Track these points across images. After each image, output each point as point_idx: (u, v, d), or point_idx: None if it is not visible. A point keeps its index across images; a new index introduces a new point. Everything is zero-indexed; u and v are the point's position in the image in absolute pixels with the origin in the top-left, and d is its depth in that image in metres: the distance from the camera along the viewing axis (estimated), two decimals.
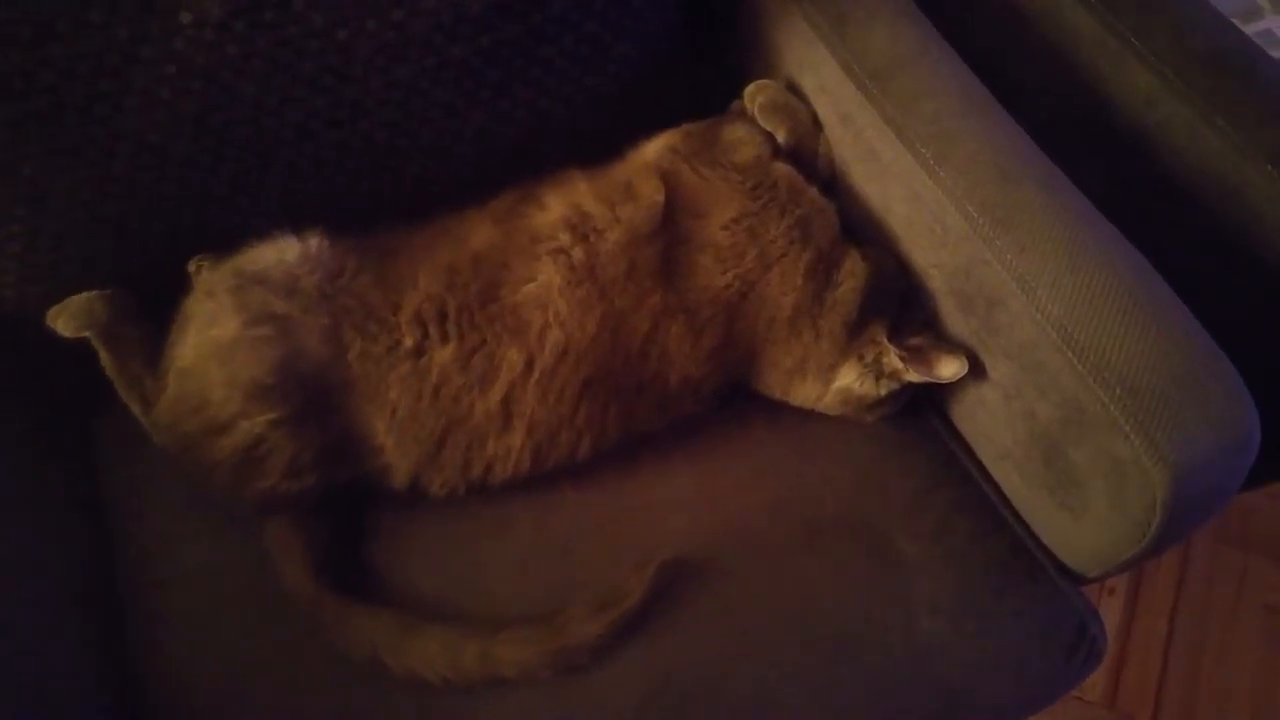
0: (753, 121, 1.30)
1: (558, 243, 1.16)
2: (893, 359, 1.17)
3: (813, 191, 1.23)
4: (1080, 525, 1.06)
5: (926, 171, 1.11)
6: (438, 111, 1.17)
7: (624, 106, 1.28)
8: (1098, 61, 1.23)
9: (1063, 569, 1.14)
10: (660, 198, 1.19)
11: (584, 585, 1.10)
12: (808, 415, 1.26)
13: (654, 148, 1.26)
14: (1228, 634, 1.83)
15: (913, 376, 1.16)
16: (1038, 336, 1.03)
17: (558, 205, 1.19)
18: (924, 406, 1.27)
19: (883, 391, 1.19)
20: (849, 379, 1.19)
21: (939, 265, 1.15)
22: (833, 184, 1.29)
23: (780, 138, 1.28)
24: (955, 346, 1.15)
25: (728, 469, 1.23)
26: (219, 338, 1.10)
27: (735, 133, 1.28)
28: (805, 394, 1.22)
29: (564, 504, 1.20)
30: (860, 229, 1.27)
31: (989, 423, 1.17)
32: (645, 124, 1.29)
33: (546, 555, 1.16)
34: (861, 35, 1.20)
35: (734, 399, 1.25)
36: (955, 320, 1.16)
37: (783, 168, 1.25)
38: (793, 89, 1.31)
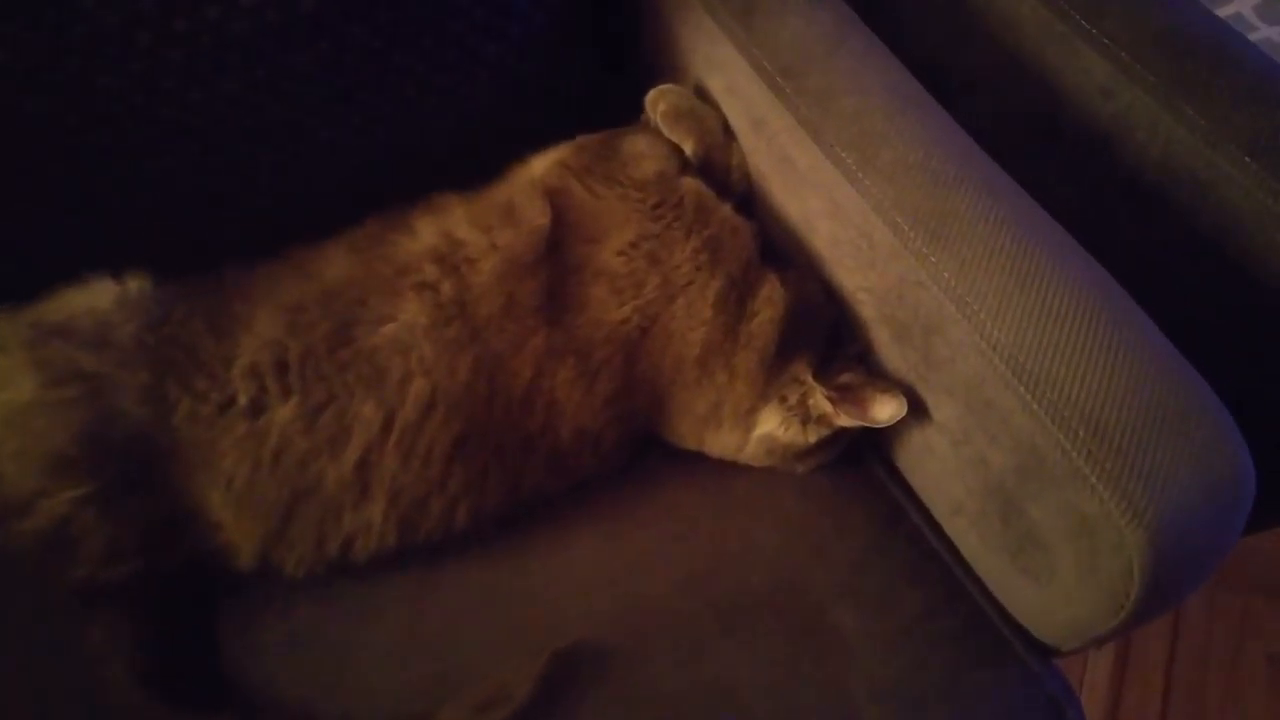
0: (658, 133, 1.12)
1: (423, 276, 0.99)
2: (820, 400, 0.99)
3: (725, 209, 1.06)
4: (1047, 594, 0.87)
5: (848, 179, 0.94)
6: (278, 131, 1.00)
7: (506, 121, 1.11)
8: (1044, 49, 1.06)
9: (1031, 643, 0.95)
10: (544, 220, 1.01)
11: (466, 678, 0.93)
12: (729, 469, 1.08)
13: (541, 164, 1.09)
14: (1229, 687, 1.64)
15: (844, 420, 0.98)
16: (984, 369, 0.85)
17: (429, 232, 1.02)
18: (866, 453, 1.10)
19: (812, 438, 1.01)
20: (771, 425, 1.01)
21: (868, 288, 0.97)
22: (749, 199, 1.12)
23: (688, 149, 1.11)
24: (891, 384, 0.98)
25: (636, 537, 1.06)
26: (11, 401, 0.92)
27: (636, 145, 1.11)
28: (723, 444, 1.04)
29: (444, 583, 1.02)
30: (782, 250, 1.10)
31: (939, 472, 0.99)
32: (536, 141, 1.12)
33: (425, 644, 0.99)
34: (771, 27, 1.04)
35: (644, 454, 1.08)
36: (891, 353, 0.98)
37: (690, 183, 1.07)
38: (701, 93, 1.14)
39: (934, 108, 0.99)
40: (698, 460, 1.09)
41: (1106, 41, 1.00)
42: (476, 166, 1.10)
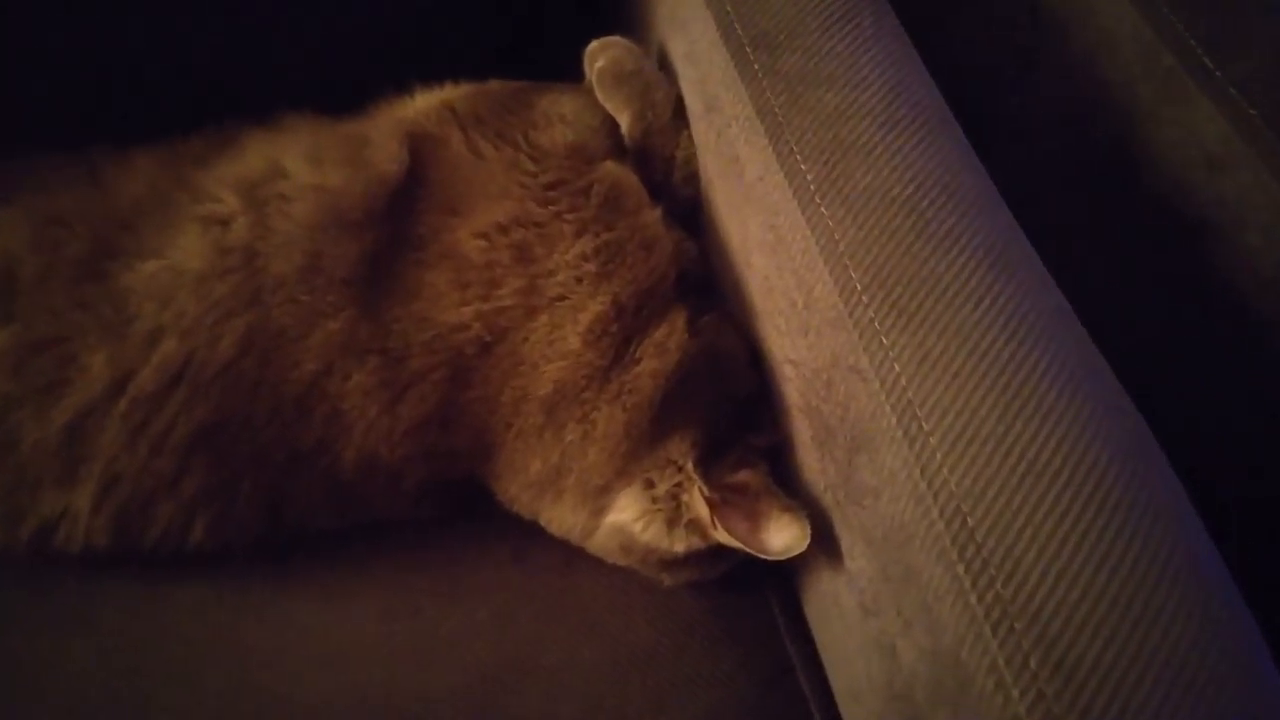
0: (594, 98, 0.83)
1: (216, 207, 0.71)
2: (696, 500, 0.69)
3: (647, 213, 0.77)
4: None
5: (799, 201, 0.64)
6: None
7: (411, 31, 0.81)
8: (1138, 89, 0.76)
9: None
10: (394, 168, 0.74)
11: None
12: (583, 556, 0.77)
13: (425, 100, 0.80)
14: None
15: (722, 537, 0.68)
16: (915, 522, 0.55)
17: (255, 156, 0.74)
18: (768, 580, 0.79)
19: (678, 547, 0.71)
20: (627, 515, 0.72)
21: (796, 361, 0.67)
22: (693, 206, 0.82)
23: (624, 123, 0.82)
24: (796, 504, 0.67)
25: (428, 614, 0.80)
26: None
27: (558, 105, 0.82)
28: (563, 522, 0.75)
29: (165, 612, 0.78)
30: (716, 284, 0.79)
31: (842, 637, 0.70)
32: (441, 72, 0.83)
33: (118, 697, 0.74)
34: None
35: (482, 506, 0.80)
36: (809, 457, 0.68)
37: (611, 169, 0.78)
38: (662, 59, 0.84)
39: (949, 131, 0.69)
40: (549, 534, 0.80)
41: (1234, 92, 0.69)
42: (359, 90, 0.82)
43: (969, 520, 0.54)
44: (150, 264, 0.73)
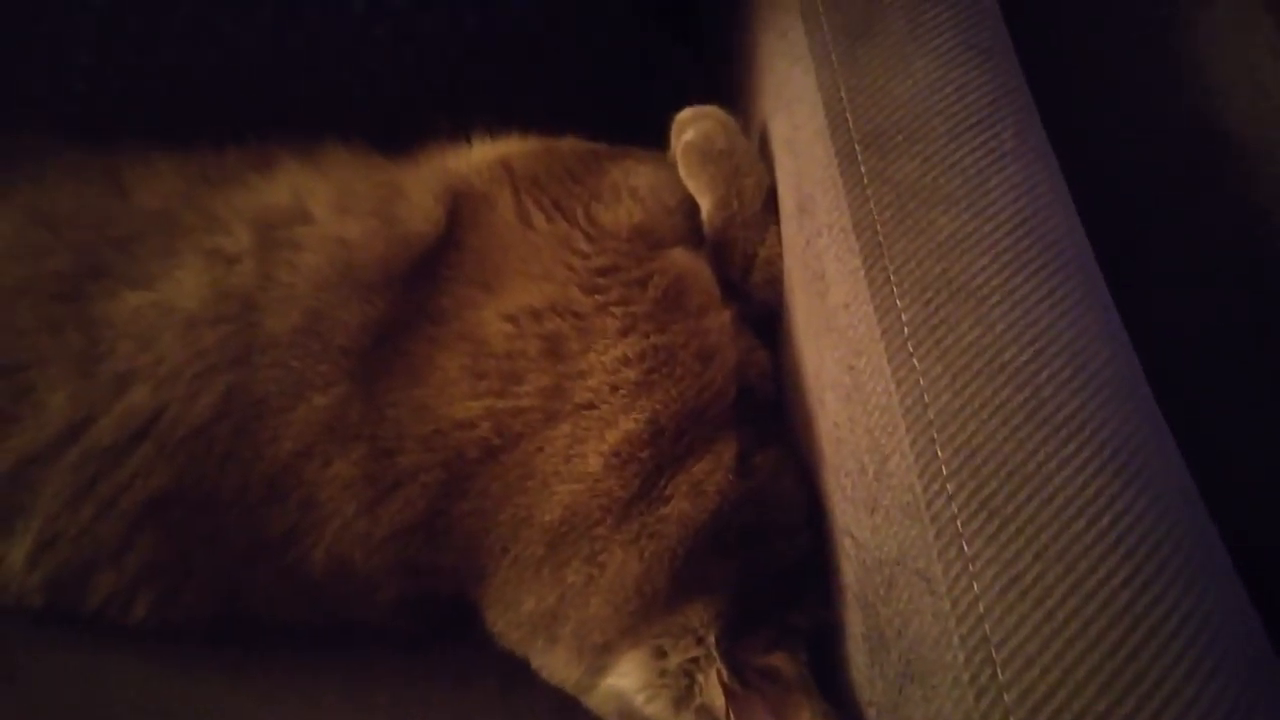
0: (676, 173, 0.71)
1: (225, 241, 0.62)
2: (712, 684, 0.56)
3: (714, 317, 0.65)
4: None
5: (886, 343, 0.51)
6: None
7: (486, 74, 0.72)
8: None
9: None
10: (428, 229, 0.64)
11: None
12: (575, 705, 0.65)
13: (481, 153, 0.70)
14: None
15: None
16: None
17: (283, 186, 0.65)
18: None
19: None
20: (629, 682, 0.60)
21: (858, 540, 0.53)
22: (769, 315, 0.69)
23: (704, 208, 0.71)
24: (834, 713, 0.53)
25: None
26: None
27: (632, 176, 0.71)
28: (554, 670, 0.63)
29: (100, 680, 0.69)
30: (785, 411, 0.67)
31: None
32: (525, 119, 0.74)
33: None
34: (884, 63, 0.62)
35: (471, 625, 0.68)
36: (858, 656, 0.54)
37: (680, 259, 0.67)
38: (762, 138, 0.72)
39: (1089, 283, 0.55)
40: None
41: None
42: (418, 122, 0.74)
43: None
44: (137, 295, 0.64)
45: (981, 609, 0.45)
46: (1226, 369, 0.72)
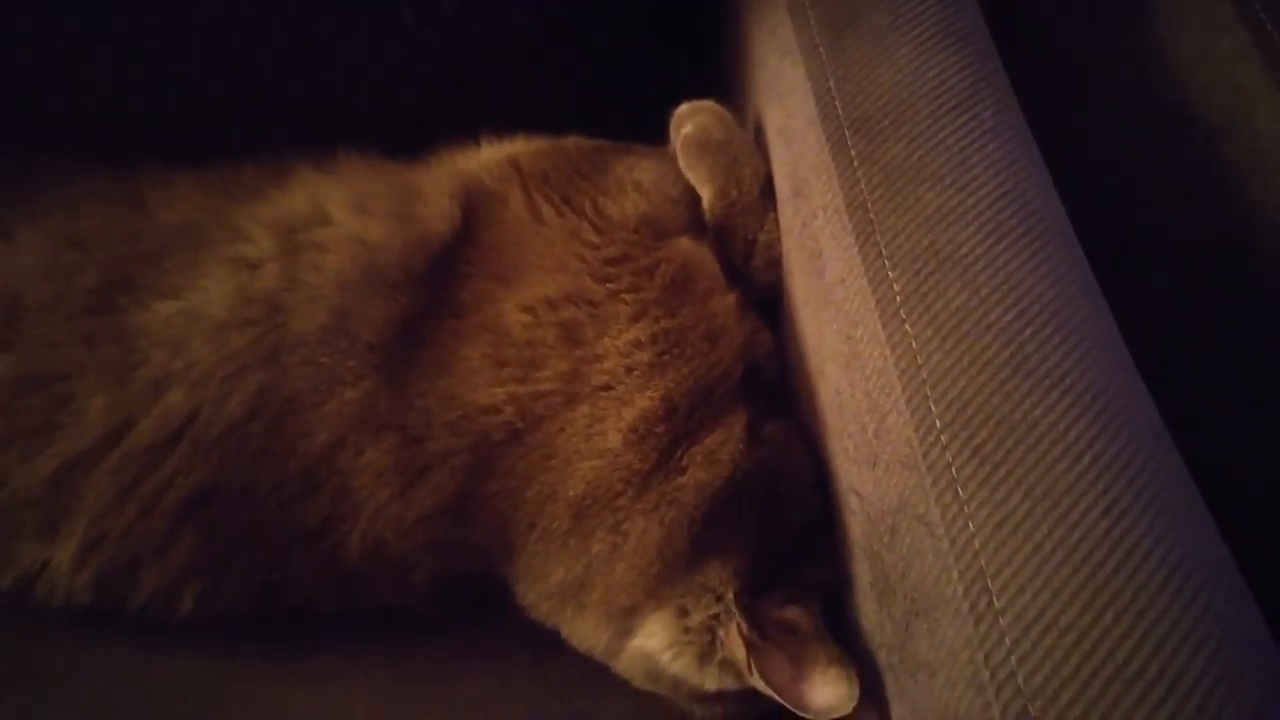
0: (677, 166, 0.76)
1: (248, 248, 0.65)
2: (733, 637, 0.60)
3: (719, 301, 0.69)
4: None
5: (880, 311, 0.55)
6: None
7: (488, 83, 0.77)
8: None
9: None
10: (443, 228, 0.68)
11: None
12: (611, 673, 0.69)
13: (490, 153, 0.74)
14: None
15: (758, 684, 0.59)
16: (974, 716, 0.44)
17: (301, 195, 0.69)
18: None
19: (709, 685, 0.62)
20: (655, 642, 0.64)
21: (861, 494, 0.57)
22: (771, 296, 0.73)
23: (705, 198, 0.75)
24: (846, 657, 0.57)
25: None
26: None
27: (636, 170, 0.75)
28: (582, 638, 0.67)
29: (149, 679, 0.73)
30: (789, 385, 0.71)
31: None
32: (523, 120, 0.77)
33: None
34: (868, 54, 0.66)
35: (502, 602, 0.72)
36: (867, 605, 0.59)
37: (686, 247, 0.71)
38: (757, 129, 0.76)
39: (1067, 250, 0.59)
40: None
41: None
42: (429, 132, 0.79)
43: None
44: (167, 304, 0.68)
45: (977, 545, 0.49)
46: (1220, 368, 0.75)
